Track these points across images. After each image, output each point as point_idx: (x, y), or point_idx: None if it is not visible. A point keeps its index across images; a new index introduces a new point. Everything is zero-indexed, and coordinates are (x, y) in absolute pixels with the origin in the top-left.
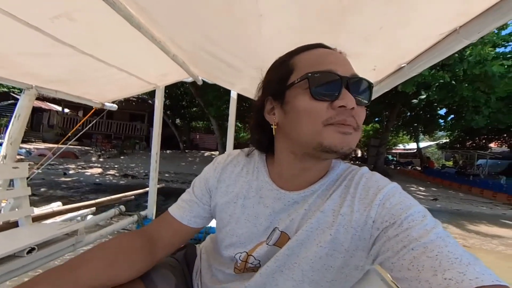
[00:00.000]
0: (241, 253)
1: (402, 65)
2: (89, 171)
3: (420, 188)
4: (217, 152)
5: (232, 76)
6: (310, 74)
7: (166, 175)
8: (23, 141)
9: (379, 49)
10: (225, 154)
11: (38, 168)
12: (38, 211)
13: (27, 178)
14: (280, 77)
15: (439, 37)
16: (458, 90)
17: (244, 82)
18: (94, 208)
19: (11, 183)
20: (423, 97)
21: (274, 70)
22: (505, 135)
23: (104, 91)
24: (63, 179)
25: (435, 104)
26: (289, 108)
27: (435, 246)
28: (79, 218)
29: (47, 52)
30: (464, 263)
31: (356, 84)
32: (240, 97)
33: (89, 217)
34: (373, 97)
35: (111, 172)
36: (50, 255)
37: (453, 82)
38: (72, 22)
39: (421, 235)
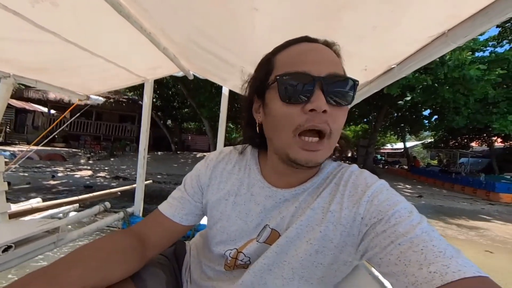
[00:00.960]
0: (231, 250)
1: (392, 66)
2: (78, 174)
3: (407, 185)
4: (209, 153)
5: (224, 71)
6: (279, 77)
7: (158, 176)
8: (7, 144)
9: (371, 49)
10: (217, 151)
11: (14, 163)
12: (15, 207)
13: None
14: (262, 75)
15: (428, 40)
16: (440, 92)
17: (237, 78)
18: (77, 204)
19: None
20: (408, 98)
21: (260, 66)
22: (484, 134)
23: (89, 82)
24: (51, 182)
25: (420, 105)
26: (268, 110)
27: (420, 240)
28: (61, 215)
29: (27, 38)
30: (448, 256)
31: (333, 84)
32: (232, 98)
33: (72, 214)
34: (363, 97)
35: (102, 174)
36: (29, 253)
37: (436, 84)
38: (55, 7)
39: (407, 231)
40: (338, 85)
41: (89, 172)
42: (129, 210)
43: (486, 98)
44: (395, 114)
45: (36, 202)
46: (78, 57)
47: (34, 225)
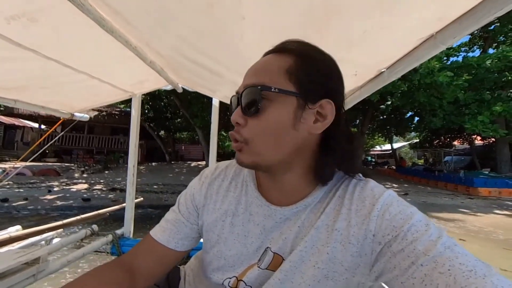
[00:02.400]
0: (230, 278)
1: (382, 70)
2: (74, 187)
3: (394, 185)
4: (204, 162)
5: (213, 82)
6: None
7: (155, 186)
8: None
9: (361, 55)
10: (213, 167)
11: (6, 180)
12: None
13: None
14: None
15: (417, 42)
16: (416, 97)
17: (226, 89)
18: (61, 229)
19: None
20: (389, 103)
21: None
22: (464, 133)
23: (73, 99)
24: (48, 197)
25: (400, 109)
26: None
27: (445, 259)
28: (42, 242)
29: (2, 56)
30: (480, 275)
31: (244, 97)
32: (224, 106)
33: (55, 240)
34: (354, 102)
35: (98, 186)
36: None
37: (411, 90)
38: (33, 24)
39: (428, 248)
40: (246, 96)
41: (85, 186)
42: (119, 232)
43: (458, 101)
44: (381, 117)
45: (15, 230)
46: (60, 74)
47: (11, 257)
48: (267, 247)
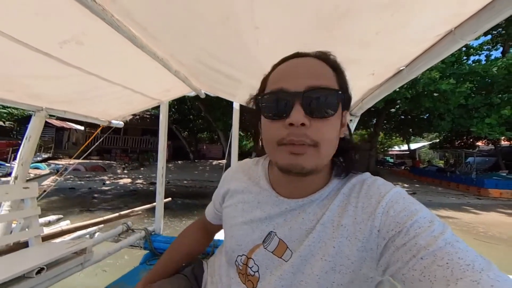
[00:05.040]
0: (241, 256)
1: (401, 68)
2: (121, 181)
3: (405, 185)
4: (224, 160)
5: (233, 87)
6: (260, 97)
7: (185, 182)
8: (54, 158)
9: (377, 54)
10: (233, 166)
11: (60, 176)
12: (47, 230)
13: (38, 198)
14: (259, 93)
15: (435, 39)
16: (422, 102)
17: (245, 93)
18: (102, 225)
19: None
20: (397, 107)
21: (260, 85)
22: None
23: (110, 108)
24: (104, 188)
25: (409, 112)
26: (261, 125)
27: (444, 253)
28: (87, 236)
29: (55, 75)
30: (477, 269)
31: (311, 97)
32: (241, 107)
33: (97, 234)
34: (374, 101)
35: (139, 181)
36: (58, 275)
37: (414, 97)
38: (79, 46)
39: (429, 243)
40: (317, 97)
41: (129, 180)
42: (150, 228)
43: (467, 105)
44: (398, 118)
45: (65, 224)
46: (99, 87)
47: (63, 247)
48: (271, 231)
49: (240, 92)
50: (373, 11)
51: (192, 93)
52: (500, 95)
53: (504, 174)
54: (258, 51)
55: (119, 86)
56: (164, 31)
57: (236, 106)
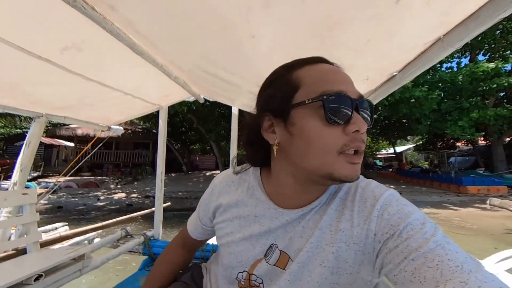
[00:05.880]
0: (241, 272)
1: (394, 74)
2: (116, 196)
3: (392, 186)
4: (218, 171)
5: (232, 92)
6: (325, 97)
7: (180, 193)
8: (44, 176)
9: (369, 60)
10: (221, 175)
11: (47, 193)
12: (45, 236)
13: (36, 204)
14: (282, 93)
15: (424, 46)
16: (399, 108)
17: (244, 98)
18: (101, 230)
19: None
20: (379, 113)
21: (273, 84)
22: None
23: (110, 114)
24: (99, 203)
25: (386, 118)
26: (295, 130)
27: (435, 255)
28: (86, 242)
29: (56, 81)
30: (466, 270)
31: (363, 106)
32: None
33: (96, 240)
34: None
35: (134, 195)
36: (56, 281)
37: (394, 103)
38: (79, 52)
39: (420, 245)
40: (367, 107)
41: (123, 194)
42: (149, 234)
43: (441, 110)
44: (382, 123)
45: (64, 230)
46: (99, 93)
47: (62, 254)
48: (273, 244)
49: (239, 97)
50: (361, 20)
51: (191, 98)
52: (469, 100)
53: (481, 172)
54: (256, 58)
55: (119, 92)
56: (163, 39)
57: (234, 111)
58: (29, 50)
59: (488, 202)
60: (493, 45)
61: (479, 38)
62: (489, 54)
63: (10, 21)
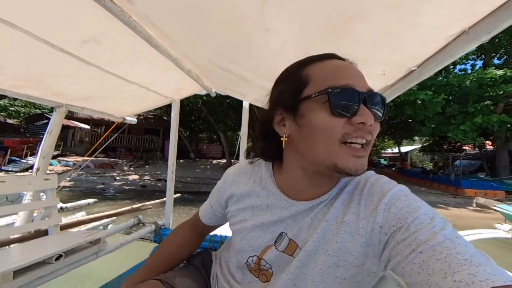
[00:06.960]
0: (252, 257)
1: (413, 69)
2: (130, 177)
3: None
4: (224, 160)
5: (243, 87)
6: (330, 90)
7: (188, 179)
8: (63, 155)
9: (387, 54)
10: (234, 166)
11: (74, 172)
12: (65, 220)
13: (57, 188)
14: (293, 88)
15: (448, 39)
16: (404, 110)
17: (255, 92)
18: (115, 217)
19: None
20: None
21: (285, 80)
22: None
23: (124, 106)
24: (116, 183)
25: (392, 118)
26: (304, 122)
27: (443, 248)
28: (101, 227)
29: (76, 73)
30: (474, 263)
31: (372, 100)
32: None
33: (110, 226)
34: (386, 101)
35: (146, 177)
36: (75, 262)
37: (398, 104)
38: (98, 45)
39: (428, 238)
40: (376, 101)
41: (137, 176)
42: (160, 222)
43: (446, 113)
44: (388, 123)
45: (81, 215)
46: (116, 85)
47: (80, 236)
48: (282, 232)
49: (250, 92)
50: (381, 12)
51: (203, 92)
52: (475, 105)
53: (482, 176)
54: (269, 52)
55: (134, 85)
56: (178, 33)
57: (245, 105)
58: (52, 43)
59: (475, 201)
60: (509, 48)
61: (496, 40)
62: (504, 58)
63: (38, 16)
